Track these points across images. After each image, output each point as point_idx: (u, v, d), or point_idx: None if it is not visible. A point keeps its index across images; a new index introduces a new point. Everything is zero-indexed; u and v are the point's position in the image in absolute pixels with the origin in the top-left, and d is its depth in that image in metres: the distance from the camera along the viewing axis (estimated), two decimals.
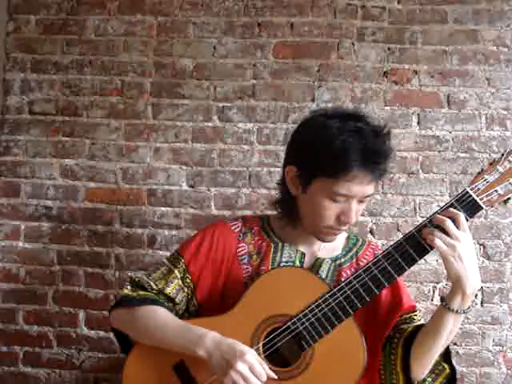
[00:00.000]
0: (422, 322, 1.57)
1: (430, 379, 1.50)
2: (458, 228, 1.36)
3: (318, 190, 1.47)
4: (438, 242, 1.35)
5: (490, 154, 2.32)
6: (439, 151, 2.34)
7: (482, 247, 2.30)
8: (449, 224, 1.36)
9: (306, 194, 1.50)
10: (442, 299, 1.41)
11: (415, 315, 1.58)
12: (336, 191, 1.44)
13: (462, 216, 1.37)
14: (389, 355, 1.52)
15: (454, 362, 1.54)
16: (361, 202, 1.49)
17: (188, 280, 1.58)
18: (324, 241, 1.56)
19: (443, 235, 1.36)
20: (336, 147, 1.41)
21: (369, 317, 1.55)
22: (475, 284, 1.37)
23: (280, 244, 1.60)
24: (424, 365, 1.46)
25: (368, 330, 1.51)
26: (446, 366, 1.51)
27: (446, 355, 1.50)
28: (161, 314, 1.51)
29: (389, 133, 1.50)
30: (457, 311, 1.38)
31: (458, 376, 1.53)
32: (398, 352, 1.50)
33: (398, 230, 2.32)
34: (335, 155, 1.41)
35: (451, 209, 1.38)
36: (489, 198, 1.40)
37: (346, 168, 1.41)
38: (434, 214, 1.42)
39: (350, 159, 1.40)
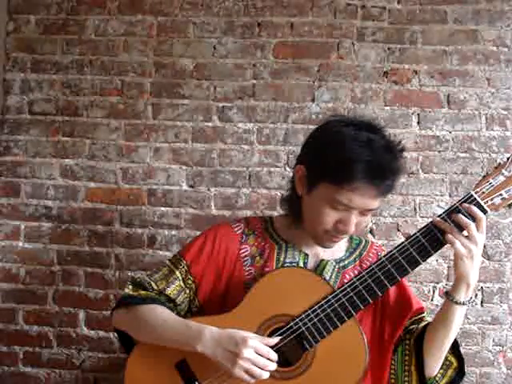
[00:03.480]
0: (429, 320, 1.59)
1: (439, 375, 1.53)
2: (478, 230, 1.38)
3: (321, 194, 1.46)
4: (457, 245, 1.37)
5: (490, 154, 2.32)
6: (439, 151, 2.34)
7: None
8: (473, 228, 1.37)
9: (310, 195, 1.50)
10: (447, 295, 1.44)
11: (424, 316, 1.60)
12: (337, 199, 1.43)
13: (484, 219, 1.38)
14: (402, 356, 1.54)
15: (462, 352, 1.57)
16: (363, 214, 1.48)
17: (190, 281, 1.58)
18: (323, 246, 1.56)
19: (463, 238, 1.38)
20: (343, 155, 1.40)
21: (379, 320, 1.57)
22: (477, 276, 1.42)
23: (284, 245, 1.60)
24: (437, 359, 1.49)
25: (376, 335, 1.55)
26: (452, 359, 1.54)
27: (453, 347, 1.52)
28: (160, 312, 1.52)
29: (402, 150, 1.49)
30: (463, 303, 1.43)
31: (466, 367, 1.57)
32: (411, 351, 1.53)
33: (398, 230, 2.33)
34: (340, 162, 1.40)
35: (476, 210, 1.38)
36: (493, 201, 1.40)
37: (348, 178, 1.39)
38: (439, 216, 1.42)
39: (353, 169, 1.39)
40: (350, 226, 1.45)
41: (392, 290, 1.51)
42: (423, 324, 1.56)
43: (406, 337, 1.56)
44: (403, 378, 1.53)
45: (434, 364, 1.50)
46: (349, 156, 1.40)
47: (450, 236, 1.39)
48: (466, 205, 1.40)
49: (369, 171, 1.39)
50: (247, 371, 1.36)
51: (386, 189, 1.45)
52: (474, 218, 1.38)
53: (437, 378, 1.52)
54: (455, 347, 1.53)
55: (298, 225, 1.58)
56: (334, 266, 1.59)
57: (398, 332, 1.55)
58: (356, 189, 1.40)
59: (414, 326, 1.57)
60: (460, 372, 1.54)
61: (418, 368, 1.50)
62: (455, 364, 1.54)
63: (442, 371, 1.53)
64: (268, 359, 1.38)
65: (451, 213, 1.41)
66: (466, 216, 1.39)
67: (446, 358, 1.52)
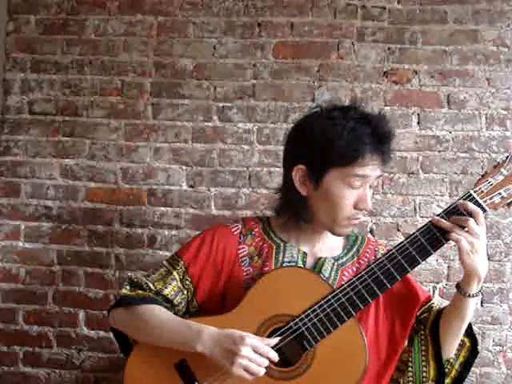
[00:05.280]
0: (438, 307, 1.62)
1: (454, 356, 1.57)
2: (477, 224, 1.40)
3: (333, 180, 1.50)
4: (463, 241, 1.39)
5: (489, 154, 2.32)
6: (439, 151, 2.34)
7: None
8: (471, 223, 1.39)
9: (320, 189, 1.52)
10: (459, 288, 1.48)
11: (432, 303, 1.63)
12: (352, 176, 1.48)
13: (481, 213, 1.41)
14: (419, 346, 1.58)
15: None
16: (370, 187, 1.54)
17: (188, 282, 1.58)
18: (341, 234, 1.59)
19: (465, 233, 1.40)
20: (348, 135, 1.46)
21: (385, 317, 1.59)
22: (486, 267, 1.44)
23: (282, 244, 1.60)
24: (454, 344, 1.54)
25: (388, 329, 1.57)
26: (465, 339, 1.57)
27: (466, 329, 1.55)
28: (159, 313, 1.52)
29: (385, 115, 1.56)
30: (475, 295, 1.46)
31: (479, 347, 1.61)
32: (427, 341, 1.56)
33: (398, 230, 2.32)
34: (348, 143, 1.46)
35: (471, 205, 1.41)
36: (492, 200, 1.42)
37: (362, 154, 1.46)
38: (438, 215, 1.44)
39: (363, 145, 1.46)
40: (368, 200, 1.52)
41: (396, 284, 1.52)
42: (434, 311, 1.59)
43: (420, 327, 1.59)
44: (421, 369, 1.56)
45: (451, 348, 1.54)
46: (354, 135, 1.46)
47: (453, 234, 1.41)
48: (461, 201, 1.43)
49: (374, 141, 1.47)
50: (245, 368, 1.37)
51: (389, 152, 1.53)
52: (471, 214, 1.40)
53: (451, 361, 1.56)
54: (468, 326, 1.55)
55: (299, 225, 1.59)
56: (333, 264, 1.59)
57: (409, 325, 1.58)
58: (369, 161, 1.47)
59: (425, 315, 1.60)
60: (473, 351, 1.58)
61: (435, 356, 1.54)
62: (468, 344, 1.58)
63: (455, 352, 1.56)
64: (267, 358, 1.39)
65: (450, 212, 1.43)
66: (463, 213, 1.42)
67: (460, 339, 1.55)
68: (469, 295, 1.46)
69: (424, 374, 1.55)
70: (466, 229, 1.40)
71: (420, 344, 1.57)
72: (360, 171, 1.48)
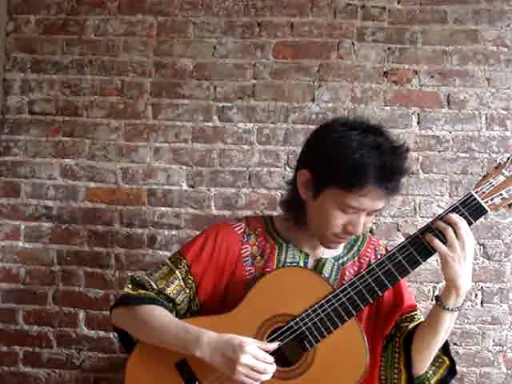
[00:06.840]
0: (421, 319, 1.59)
1: (431, 372, 1.54)
2: (457, 235, 1.38)
3: (328, 198, 1.46)
4: (443, 249, 1.39)
5: (489, 154, 2.32)
6: (439, 151, 2.34)
7: (482, 247, 2.30)
8: (449, 233, 1.39)
9: (316, 200, 1.49)
10: (437, 299, 1.46)
11: (416, 314, 1.60)
12: (347, 203, 1.43)
13: (460, 224, 1.39)
14: (392, 353, 1.55)
15: (452, 354, 1.58)
16: (370, 214, 1.50)
17: (190, 281, 1.58)
18: (328, 247, 1.57)
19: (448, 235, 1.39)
20: (354, 162, 1.40)
21: (371, 315, 1.58)
22: (468, 284, 1.41)
23: (284, 245, 1.60)
24: (424, 360, 1.50)
25: (369, 329, 1.56)
26: (445, 358, 1.55)
27: (445, 348, 1.54)
28: (159, 314, 1.52)
29: (407, 150, 1.49)
30: (452, 309, 1.43)
31: (457, 368, 1.58)
32: (401, 350, 1.53)
33: (398, 230, 2.32)
34: (352, 169, 1.40)
35: (451, 217, 1.40)
36: (493, 201, 1.41)
37: (361, 184, 1.40)
38: (438, 216, 1.44)
39: (366, 175, 1.40)
40: (359, 226, 1.47)
41: None
42: (414, 323, 1.56)
43: (397, 334, 1.57)
44: (393, 376, 1.54)
45: (422, 364, 1.50)
46: (359, 162, 1.40)
47: (435, 241, 1.41)
48: (446, 215, 1.42)
49: (379, 175, 1.41)
50: (247, 376, 1.37)
51: (394, 189, 1.46)
52: (452, 226, 1.40)
53: (428, 375, 1.53)
54: (446, 348, 1.54)
55: (300, 226, 1.58)
56: (333, 264, 1.59)
57: (387, 329, 1.57)
58: (367, 193, 1.41)
59: (405, 324, 1.57)
60: (452, 371, 1.56)
61: (406, 366, 1.51)
62: (447, 363, 1.55)
63: (434, 368, 1.54)
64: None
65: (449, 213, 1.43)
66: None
67: (439, 357, 1.53)
68: (443, 307, 1.42)
69: (396, 380, 1.53)
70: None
71: (393, 351, 1.55)
72: (354, 202, 1.42)
